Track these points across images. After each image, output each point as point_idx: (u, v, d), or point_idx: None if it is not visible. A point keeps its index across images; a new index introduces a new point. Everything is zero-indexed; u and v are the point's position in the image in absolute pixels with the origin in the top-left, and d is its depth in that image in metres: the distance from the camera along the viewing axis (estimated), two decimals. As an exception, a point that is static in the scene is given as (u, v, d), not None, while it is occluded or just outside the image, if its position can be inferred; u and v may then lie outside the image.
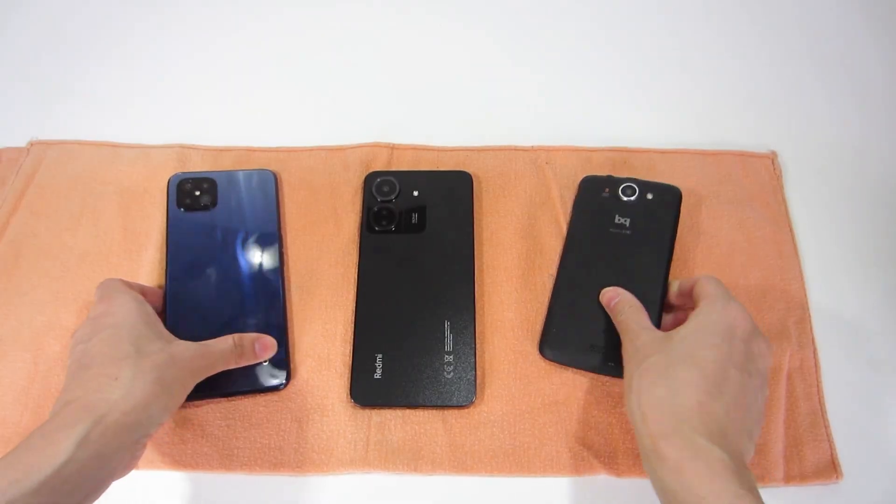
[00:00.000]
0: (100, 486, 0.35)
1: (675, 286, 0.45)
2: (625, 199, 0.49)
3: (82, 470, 0.33)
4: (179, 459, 0.43)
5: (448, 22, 0.63)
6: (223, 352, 0.41)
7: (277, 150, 0.55)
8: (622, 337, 0.42)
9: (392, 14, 0.64)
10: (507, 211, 0.52)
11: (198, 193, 0.50)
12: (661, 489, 0.34)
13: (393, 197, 0.50)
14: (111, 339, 0.38)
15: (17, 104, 0.59)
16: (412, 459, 0.43)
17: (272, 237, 0.49)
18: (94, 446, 0.33)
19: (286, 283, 0.49)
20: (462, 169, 0.52)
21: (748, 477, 0.32)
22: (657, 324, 0.45)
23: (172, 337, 0.41)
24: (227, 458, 0.43)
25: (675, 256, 0.49)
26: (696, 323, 0.38)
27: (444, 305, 0.46)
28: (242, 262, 0.48)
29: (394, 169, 0.53)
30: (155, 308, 0.43)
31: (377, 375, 0.45)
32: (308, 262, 0.50)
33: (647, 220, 0.48)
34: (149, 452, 0.43)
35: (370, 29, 0.63)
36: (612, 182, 0.50)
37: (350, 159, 0.54)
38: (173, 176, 0.51)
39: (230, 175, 0.51)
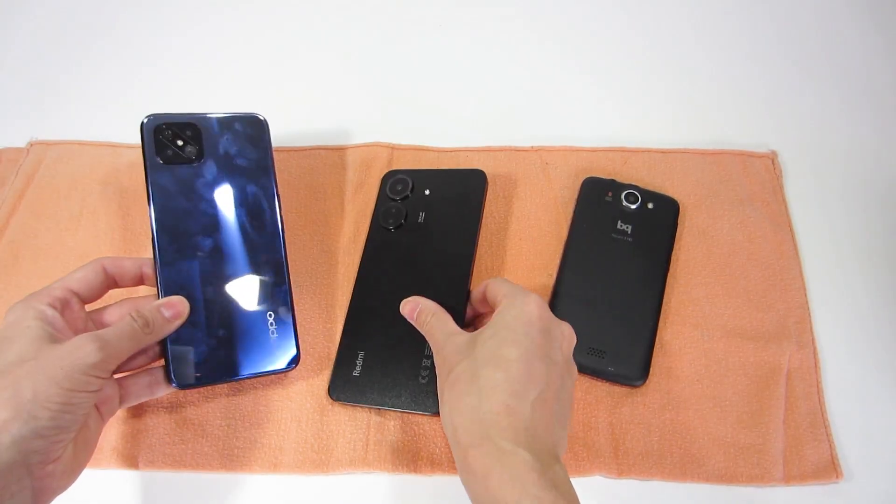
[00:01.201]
0: None
1: (472, 295, 0.45)
2: (627, 205, 0.49)
3: None
4: (179, 459, 0.43)
5: (448, 22, 0.63)
6: (115, 335, 0.36)
7: (277, 150, 0.54)
8: (431, 346, 0.40)
9: (392, 14, 0.64)
10: (507, 211, 0.52)
11: (180, 143, 0.42)
12: (473, 501, 0.33)
13: (404, 195, 0.50)
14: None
15: (16, 104, 0.59)
16: (412, 460, 0.43)
17: (269, 195, 0.44)
18: None
19: (286, 251, 0.44)
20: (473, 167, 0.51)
21: (554, 475, 0.32)
22: (654, 324, 0.45)
23: (58, 339, 0.35)
24: (227, 458, 0.43)
25: (675, 256, 0.49)
26: (496, 323, 0.38)
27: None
28: (238, 227, 0.42)
29: (407, 168, 0.52)
30: (126, 276, 0.40)
31: (356, 373, 0.44)
32: (308, 262, 0.50)
33: (648, 229, 0.48)
34: (149, 452, 0.43)
35: (370, 29, 0.63)
36: (614, 186, 0.50)
37: (350, 159, 0.54)
38: (148, 118, 0.42)
39: (216, 120, 0.44)
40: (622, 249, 0.48)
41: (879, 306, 0.48)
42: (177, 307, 0.40)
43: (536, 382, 0.35)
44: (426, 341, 0.42)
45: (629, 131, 0.56)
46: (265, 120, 0.46)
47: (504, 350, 0.36)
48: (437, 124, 0.57)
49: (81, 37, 0.63)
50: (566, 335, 0.38)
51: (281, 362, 0.43)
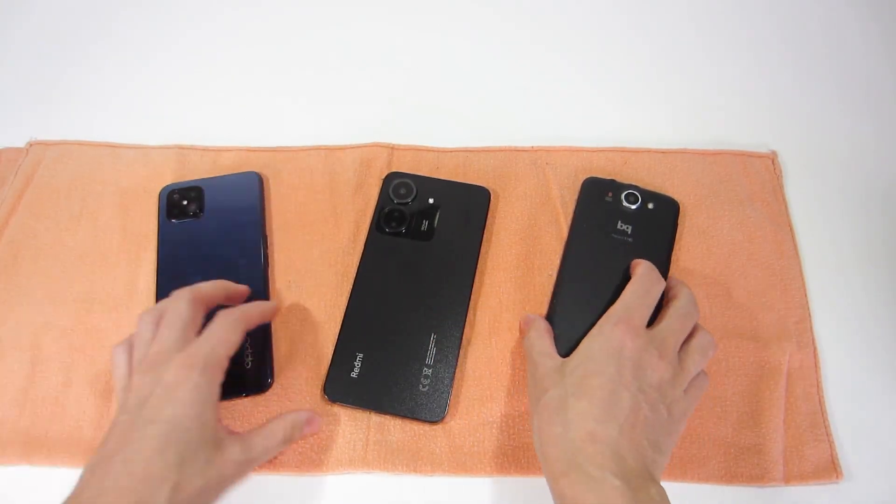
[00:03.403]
0: None
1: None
2: (628, 205, 0.49)
3: None
4: (178, 460, 0.43)
5: (448, 22, 0.63)
6: (268, 449, 0.38)
7: (276, 150, 0.55)
8: (527, 362, 0.42)
9: (392, 14, 0.64)
10: (507, 211, 0.52)
11: (185, 203, 0.50)
12: None
13: (408, 200, 0.50)
14: (156, 440, 0.33)
15: (16, 104, 0.59)
16: (412, 460, 0.43)
17: (255, 240, 0.49)
18: None
19: (271, 284, 0.49)
20: (478, 184, 0.51)
21: (648, 498, 0.33)
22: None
23: (220, 434, 0.36)
24: (227, 459, 0.43)
25: (676, 257, 0.49)
26: (584, 350, 0.39)
27: (434, 318, 0.46)
28: (226, 266, 0.48)
29: (411, 172, 0.52)
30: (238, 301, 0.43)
31: (354, 374, 0.44)
32: (307, 263, 0.50)
33: (648, 229, 0.48)
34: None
35: (370, 29, 0.63)
36: (614, 186, 0.50)
37: (349, 159, 0.54)
38: (163, 188, 0.51)
39: (216, 181, 0.52)
40: (622, 250, 0.48)
41: (880, 306, 0.48)
42: (316, 424, 0.42)
43: (621, 409, 0.35)
44: (428, 349, 0.44)
45: (629, 131, 0.56)
46: (260, 175, 0.52)
47: (590, 380, 0.37)
48: (437, 124, 0.57)
49: (81, 37, 0.62)
50: (656, 365, 0.38)
51: (253, 388, 0.45)
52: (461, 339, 0.46)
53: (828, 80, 0.59)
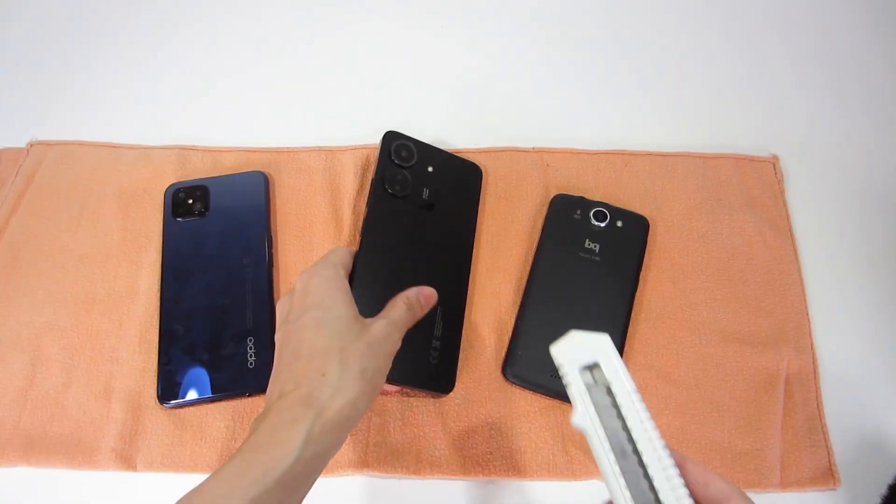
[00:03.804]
0: (314, 480, 0.35)
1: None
2: (596, 223, 0.49)
3: (307, 466, 0.33)
4: (179, 461, 0.43)
5: (449, 24, 0.63)
6: (402, 319, 0.40)
7: (277, 151, 0.55)
8: None
9: (393, 15, 0.64)
10: (508, 212, 0.52)
11: (191, 202, 0.51)
12: None
13: (410, 164, 0.48)
14: (315, 326, 0.37)
15: (17, 104, 0.59)
16: (412, 462, 0.43)
17: (260, 238, 0.50)
18: (314, 444, 0.33)
19: (275, 282, 0.49)
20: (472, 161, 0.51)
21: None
22: (620, 346, 0.45)
23: (362, 318, 0.39)
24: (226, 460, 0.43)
25: (675, 260, 0.49)
26: None
27: (440, 290, 0.43)
28: (230, 265, 0.48)
29: (412, 137, 0.50)
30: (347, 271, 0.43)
31: None
32: (307, 263, 0.50)
33: (616, 247, 0.48)
34: (147, 454, 0.43)
35: (371, 30, 0.63)
36: (583, 204, 0.50)
37: (350, 160, 0.54)
38: (169, 186, 0.52)
39: (222, 180, 0.52)
40: (589, 269, 0.47)
41: (879, 313, 0.48)
42: (431, 298, 0.42)
43: None
44: (433, 318, 0.44)
45: (631, 134, 0.56)
46: (266, 174, 0.53)
47: None
48: (438, 125, 0.56)
49: (81, 37, 0.62)
50: None
51: (255, 384, 0.45)
52: (464, 312, 0.46)
53: (830, 84, 0.59)
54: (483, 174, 0.51)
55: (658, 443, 0.29)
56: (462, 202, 0.49)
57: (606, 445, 0.29)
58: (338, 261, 0.41)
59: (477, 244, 0.50)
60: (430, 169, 0.49)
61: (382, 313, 0.39)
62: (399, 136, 0.49)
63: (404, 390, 0.45)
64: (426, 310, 0.42)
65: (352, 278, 0.43)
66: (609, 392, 0.30)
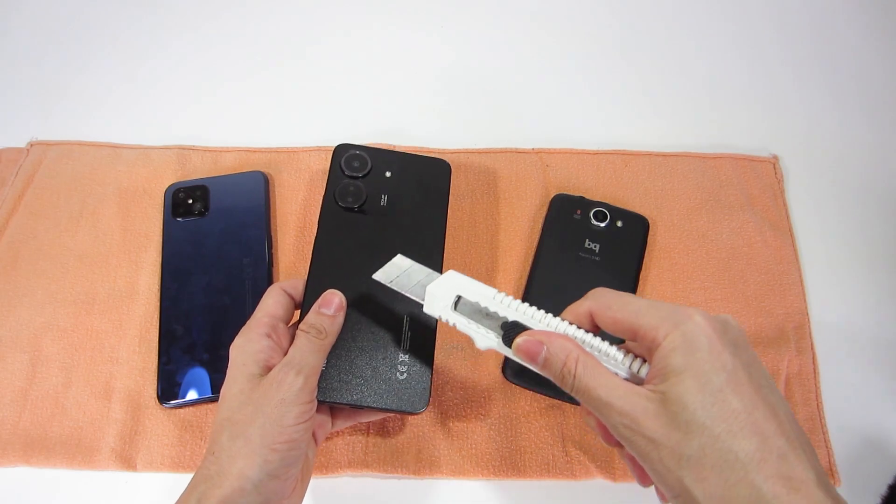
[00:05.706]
0: None
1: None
2: (596, 223, 0.49)
3: None
4: (178, 461, 0.43)
5: (449, 24, 0.63)
6: (299, 352, 0.36)
7: (277, 151, 0.55)
8: (594, 408, 0.31)
9: (393, 16, 0.64)
10: (508, 213, 0.52)
11: (191, 201, 0.51)
12: None
13: (363, 174, 0.46)
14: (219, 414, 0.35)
15: (17, 104, 0.59)
16: (412, 462, 0.43)
17: (260, 238, 0.50)
18: None
19: (275, 282, 0.48)
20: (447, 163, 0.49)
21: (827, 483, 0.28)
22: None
23: (259, 377, 0.36)
24: (226, 461, 0.43)
25: (675, 260, 0.49)
26: (685, 370, 0.29)
27: (405, 300, 0.38)
28: (230, 265, 0.48)
29: (369, 145, 0.48)
30: (296, 298, 0.41)
31: (322, 367, 0.39)
32: (307, 263, 0.49)
33: (615, 247, 0.48)
34: (147, 454, 0.43)
35: (371, 30, 0.63)
36: (584, 204, 0.50)
37: (350, 161, 0.54)
38: (169, 186, 0.52)
39: (222, 180, 0.52)
40: (589, 269, 0.47)
41: (879, 313, 0.48)
42: (333, 302, 0.39)
43: (781, 422, 0.28)
44: (399, 331, 0.40)
45: (630, 134, 0.56)
46: (266, 174, 0.53)
47: (731, 404, 0.28)
48: (438, 125, 0.57)
49: (81, 37, 0.62)
50: (735, 326, 0.32)
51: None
52: (436, 322, 0.41)
53: (831, 84, 0.59)
54: (451, 168, 0.48)
55: (525, 305, 0.34)
56: (427, 202, 0.46)
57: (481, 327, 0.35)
58: (263, 317, 0.38)
59: (477, 245, 0.50)
60: (388, 174, 0.47)
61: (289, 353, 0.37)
62: (350, 147, 0.47)
63: (377, 412, 0.42)
64: (338, 315, 0.38)
65: (303, 307, 0.41)
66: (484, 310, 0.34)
